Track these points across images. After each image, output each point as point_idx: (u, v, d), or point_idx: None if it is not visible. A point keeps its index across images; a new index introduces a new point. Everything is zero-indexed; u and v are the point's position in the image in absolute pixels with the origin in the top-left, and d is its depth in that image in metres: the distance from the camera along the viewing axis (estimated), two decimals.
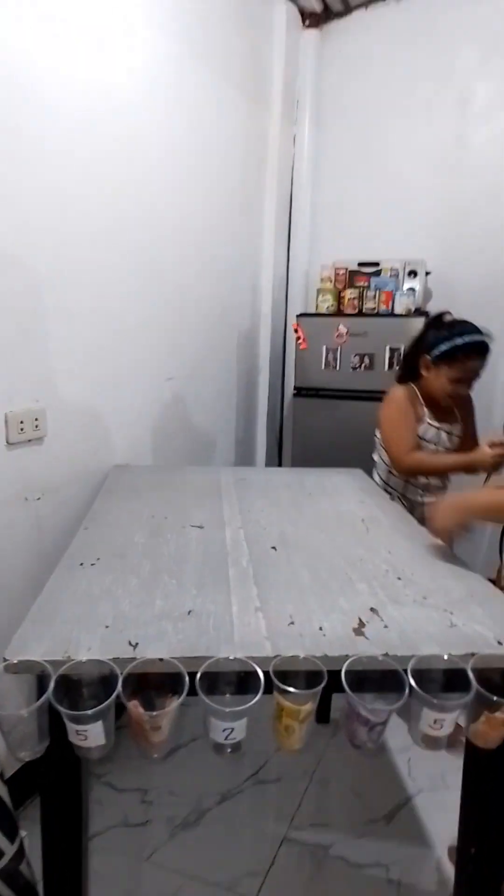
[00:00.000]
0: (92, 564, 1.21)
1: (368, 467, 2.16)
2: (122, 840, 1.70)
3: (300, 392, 2.92)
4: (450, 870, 1.62)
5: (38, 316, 1.65)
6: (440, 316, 1.93)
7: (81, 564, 1.21)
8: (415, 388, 1.99)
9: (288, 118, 3.10)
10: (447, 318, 1.92)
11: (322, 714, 2.19)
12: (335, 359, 2.81)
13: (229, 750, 0.87)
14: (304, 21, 3.11)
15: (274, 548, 1.34)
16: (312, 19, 3.11)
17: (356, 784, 1.92)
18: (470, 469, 1.85)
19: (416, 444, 1.96)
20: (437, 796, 1.89)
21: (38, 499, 1.70)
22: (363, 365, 2.77)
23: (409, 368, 2.02)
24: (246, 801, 1.86)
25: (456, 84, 2.89)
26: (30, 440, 1.64)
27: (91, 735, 0.83)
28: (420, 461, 1.95)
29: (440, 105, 2.94)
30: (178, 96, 2.22)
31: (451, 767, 1.75)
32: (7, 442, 1.57)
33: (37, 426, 1.65)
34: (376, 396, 2.79)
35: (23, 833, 1.05)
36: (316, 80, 3.17)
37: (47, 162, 1.63)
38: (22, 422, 1.59)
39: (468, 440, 2.06)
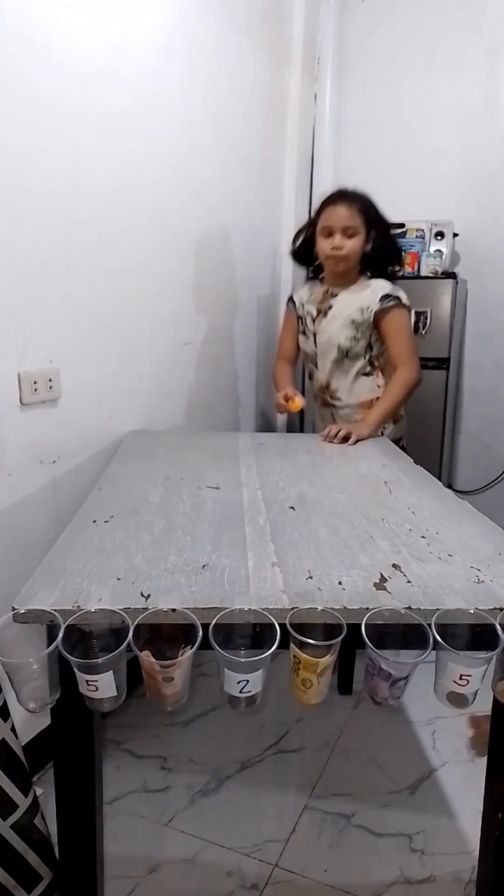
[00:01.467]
0: (105, 521, 1.18)
1: None
2: (141, 805, 1.69)
3: None
4: (475, 840, 1.58)
5: (52, 275, 1.61)
6: None
7: (94, 521, 1.18)
8: None
9: (309, 75, 2.99)
10: None
11: (345, 685, 2.16)
12: None
13: (245, 704, 0.84)
14: None
15: (292, 507, 1.30)
16: None
17: (379, 756, 1.89)
18: None
19: None
20: (462, 769, 1.84)
21: (54, 462, 1.67)
22: None
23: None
24: (267, 770, 1.84)
25: (485, 36, 2.76)
26: (44, 401, 1.61)
27: (102, 685, 0.80)
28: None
29: (468, 59, 2.81)
30: (196, 45, 2.14)
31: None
32: (21, 402, 1.54)
33: (51, 387, 1.62)
34: None
35: (38, 790, 1.03)
36: (338, 33, 3.04)
37: (58, 121, 1.58)
38: (35, 382, 1.56)
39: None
